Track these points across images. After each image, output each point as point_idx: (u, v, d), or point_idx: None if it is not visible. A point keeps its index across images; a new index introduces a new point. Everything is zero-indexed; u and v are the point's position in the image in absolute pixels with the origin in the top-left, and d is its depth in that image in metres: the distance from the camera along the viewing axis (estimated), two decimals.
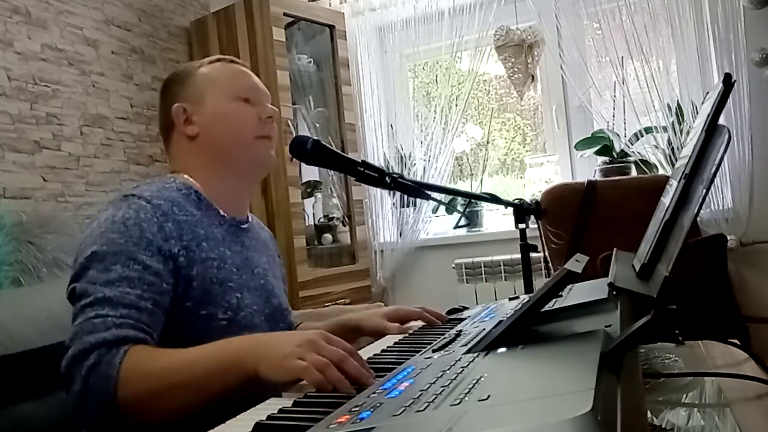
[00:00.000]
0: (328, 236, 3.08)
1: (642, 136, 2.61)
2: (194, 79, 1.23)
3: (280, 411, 0.70)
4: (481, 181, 3.09)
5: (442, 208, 3.02)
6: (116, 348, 0.90)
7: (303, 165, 2.87)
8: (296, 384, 0.80)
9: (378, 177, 1.28)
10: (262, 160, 1.24)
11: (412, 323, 1.24)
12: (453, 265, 2.94)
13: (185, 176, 1.19)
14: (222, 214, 1.19)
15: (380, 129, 3.15)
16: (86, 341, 0.91)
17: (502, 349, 0.68)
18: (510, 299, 1.27)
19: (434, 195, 1.42)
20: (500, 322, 0.78)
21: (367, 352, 0.99)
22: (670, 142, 2.55)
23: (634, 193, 2.32)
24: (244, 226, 1.24)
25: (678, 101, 2.55)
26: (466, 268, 2.91)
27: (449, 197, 2.79)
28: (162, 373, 0.88)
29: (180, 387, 0.87)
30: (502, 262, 2.84)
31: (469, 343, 0.80)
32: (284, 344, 0.84)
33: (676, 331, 0.54)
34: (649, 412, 0.75)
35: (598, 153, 2.71)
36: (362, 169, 1.28)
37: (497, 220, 3.04)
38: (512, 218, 1.57)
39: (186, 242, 1.06)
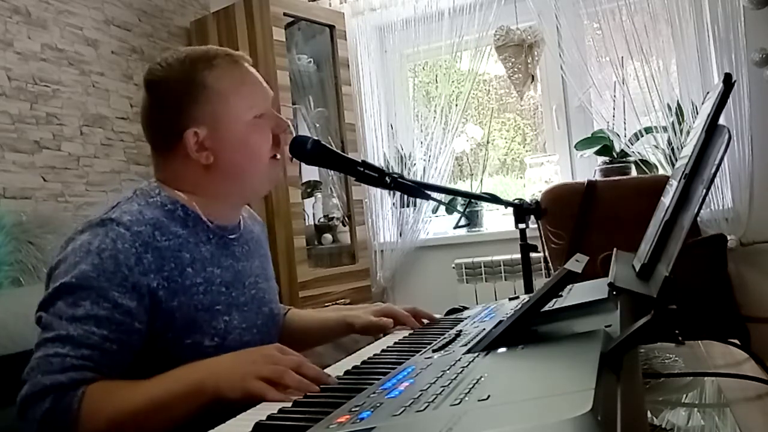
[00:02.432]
0: (328, 236, 3.08)
1: (642, 136, 2.61)
2: (205, 96, 1.10)
3: (280, 411, 0.70)
4: (481, 181, 3.09)
5: (442, 208, 3.02)
6: (72, 391, 0.88)
7: (303, 165, 2.87)
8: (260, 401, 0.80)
9: (378, 177, 1.28)
10: (273, 180, 1.21)
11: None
12: (453, 265, 2.94)
13: (170, 189, 1.11)
14: (211, 227, 1.12)
15: (380, 129, 3.15)
16: (41, 382, 0.88)
17: (502, 349, 0.68)
18: (510, 299, 1.27)
19: (434, 195, 1.42)
20: (500, 322, 0.78)
21: (367, 352, 0.99)
22: (670, 142, 2.55)
23: (634, 193, 2.32)
24: (235, 236, 1.17)
25: (678, 101, 2.55)
26: (466, 268, 2.91)
27: (449, 197, 2.79)
28: (121, 409, 0.87)
29: (140, 421, 0.86)
30: (502, 262, 2.84)
31: (469, 343, 0.80)
32: (241, 364, 0.85)
33: (676, 331, 0.54)
34: (649, 412, 0.75)
35: (598, 153, 2.71)
36: (362, 169, 1.28)
37: (497, 220, 3.04)
38: (512, 218, 1.56)
39: (167, 273, 1.01)
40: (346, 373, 0.85)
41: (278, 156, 1.19)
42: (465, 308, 1.35)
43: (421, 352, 0.84)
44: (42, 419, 0.87)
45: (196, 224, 1.10)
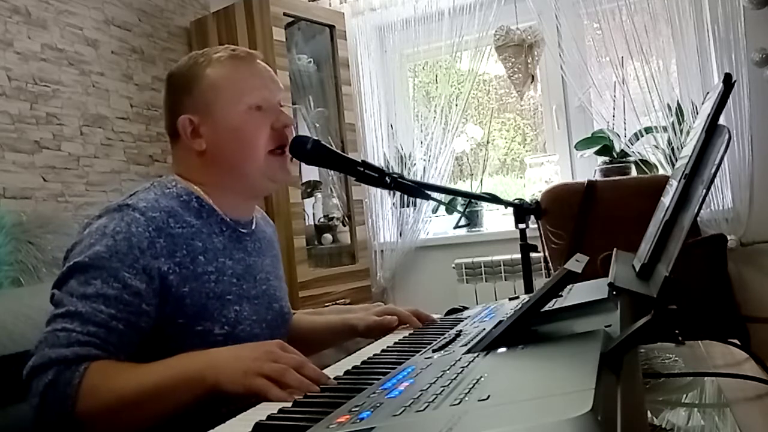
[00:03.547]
0: (328, 236, 3.08)
1: (642, 136, 2.61)
2: (201, 86, 1.15)
3: (280, 411, 0.70)
4: (481, 181, 3.09)
5: (442, 208, 3.02)
6: (75, 366, 0.89)
7: (303, 165, 2.87)
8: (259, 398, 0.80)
9: (378, 177, 1.28)
10: (276, 176, 1.19)
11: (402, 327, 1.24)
12: (453, 265, 2.94)
13: (186, 180, 1.15)
14: (225, 219, 1.14)
15: (380, 129, 3.15)
16: (47, 354, 0.90)
17: (502, 349, 0.68)
18: (510, 299, 1.27)
19: (434, 195, 1.42)
20: (500, 322, 0.78)
21: (367, 352, 0.99)
22: (670, 142, 2.55)
23: (634, 193, 2.32)
24: (247, 231, 1.19)
25: (678, 101, 2.55)
26: (466, 268, 2.91)
27: (449, 197, 2.79)
28: (120, 390, 0.88)
29: (138, 403, 0.87)
30: (502, 262, 2.84)
31: (469, 343, 0.80)
32: (243, 358, 0.86)
33: (676, 331, 0.54)
34: (649, 412, 0.75)
35: (598, 153, 2.71)
36: (362, 169, 1.28)
37: (497, 220, 3.04)
38: (512, 218, 1.57)
39: (179, 258, 1.03)
40: (346, 373, 0.85)
41: (282, 152, 1.18)
42: (465, 308, 1.35)
43: (421, 352, 0.84)
44: (44, 391, 0.89)
45: (209, 216, 1.13)
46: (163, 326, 1.02)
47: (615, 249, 1.04)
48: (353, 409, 0.57)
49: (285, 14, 2.90)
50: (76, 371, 0.89)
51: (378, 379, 0.70)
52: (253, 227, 1.22)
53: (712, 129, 0.73)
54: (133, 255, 0.99)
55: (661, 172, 2.57)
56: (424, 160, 3.06)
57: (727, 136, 0.68)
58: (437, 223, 3.14)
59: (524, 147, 3.32)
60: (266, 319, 1.16)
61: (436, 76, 3.12)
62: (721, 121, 0.76)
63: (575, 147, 2.84)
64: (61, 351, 0.90)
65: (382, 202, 3.15)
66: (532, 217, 1.57)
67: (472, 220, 2.99)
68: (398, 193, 2.94)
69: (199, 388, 0.85)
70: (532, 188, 2.94)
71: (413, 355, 0.83)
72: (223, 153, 1.14)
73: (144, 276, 0.99)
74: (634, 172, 2.65)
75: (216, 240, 1.11)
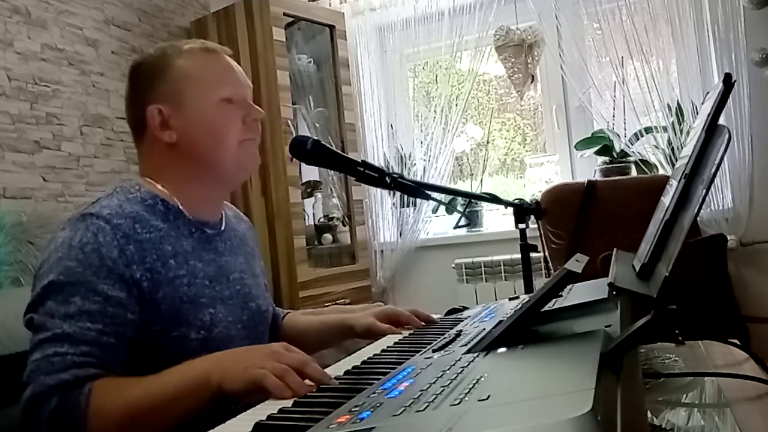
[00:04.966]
0: (328, 236, 3.08)
1: (642, 136, 2.61)
2: (171, 74, 1.12)
3: (280, 411, 0.70)
4: (481, 181, 3.09)
5: (442, 208, 3.02)
6: (78, 389, 0.87)
7: (303, 165, 2.87)
8: (261, 395, 0.80)
9: (378, 177, 1.28)
10: (247, 164, 1.17)
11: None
12: (453, 265, 2.94)
13: (151, 182, 1.13)
14: (192, 221, 1.12)
15: (380, 129, 3.15)
16: (45, 383, 0.88)
17: (502, 349, 0.68)
18: (510, 299, 1.27)
19: (434, 195, 1.42)
20: (500, 322, 0.78)
21: (367, 352, 0.99)
22: (670, 142, 2.55)
23: (634, 193, 2.32)
24: (216, 231, 1.17)
25: (678, 101, 2.55)
26: (466, 268, 2.91)
27: (449, 197, 2.79)
28: (129, 405, 0.87)
29: (148, 416, 0.86)
30: (502, 262, 2.84)
31: (469, 343, 0.80)
32: (247, 357, 0.85)
33: (676, 331, 0.54)
34: (649, 412, 0.75)
35: (598, 153, 2.71)
36: (362, 169, 1.28)
37: (497, 220, 3.04)
38: (512, 218, 1.57)
39: (150, 264, 1.00)
40: (346, 373, 0.85)
41: (252, 139, 1.16)
42: (465, 308, 1.35)
43: (421, 352, 0.84)
44: (50, 418, 0.87)
45: (177, 218, 1.10)
46: (139, 335, 0.99)
47: (615, 249, 1.04)
48: (353, 409, 0.57)
49: (285, 14, 2.90)
50: (81, 394, 0.87)
51: (378, 379, 0.70)
52: (223, 227, 1.19)
53: (712, 129, 0.73)
54: (107, 266, 0.96)
55: (661, 172, 2.57)
56: (424, 160, 3.06)
57: (727, 136, 0.68)
58: (437, 223, 3.14)
59: (524, 147, 3.32)
60: (242, 319, 1.14)
61: (436, 76, 3.12)
62: (721, 121, 0.76)
63: (575, 147, 2.84)
64: (60, 376, 0.88)
65: (382, 202, 3.16)
66: (532, 217, 1.57)
67: (472, 220, 2.99)
68: (398, 193, 2.94)
69: (206, 391, 0.84)
70: (532, 188, 2.94)
71: (413, 355, 0.83)
72: (194, 144, 1.11)
73: (122, 285, 0.97)
74: (634, 172, 2.65)
75: (185, 243, 1.08)
